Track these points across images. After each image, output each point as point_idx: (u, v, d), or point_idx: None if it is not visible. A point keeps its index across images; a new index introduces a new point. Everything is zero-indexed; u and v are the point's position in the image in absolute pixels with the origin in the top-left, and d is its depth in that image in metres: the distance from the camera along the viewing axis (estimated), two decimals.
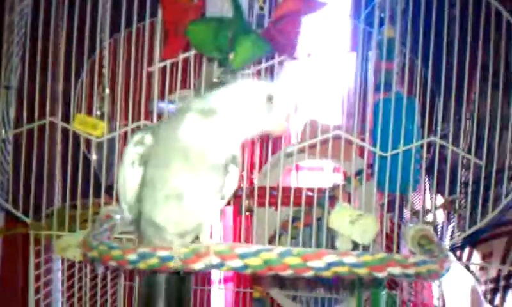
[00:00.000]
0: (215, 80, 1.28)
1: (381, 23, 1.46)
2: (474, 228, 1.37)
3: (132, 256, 0.96)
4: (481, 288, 1.91)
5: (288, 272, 0.95)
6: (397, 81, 1.45)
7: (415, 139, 1.35)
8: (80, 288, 1.45)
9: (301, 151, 1.50)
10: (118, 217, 1.33)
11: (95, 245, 1.02)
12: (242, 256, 0.95)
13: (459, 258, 1.92)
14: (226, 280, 2.15)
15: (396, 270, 0.97)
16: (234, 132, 0.87)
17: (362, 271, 0.97)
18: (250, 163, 1.73)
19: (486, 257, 1.88)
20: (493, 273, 1.88)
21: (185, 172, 0.86)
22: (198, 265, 0.95)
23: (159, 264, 0.95)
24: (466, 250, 1.93)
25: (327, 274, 0.96)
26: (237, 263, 0.95)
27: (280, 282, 1.74)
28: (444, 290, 1.90)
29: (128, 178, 0.91)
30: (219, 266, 0.95)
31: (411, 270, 0.98)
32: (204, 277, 1.99)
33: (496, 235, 1.88)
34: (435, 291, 1.97)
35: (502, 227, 1.87)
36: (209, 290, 2.07)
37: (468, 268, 1.94)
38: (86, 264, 1.43)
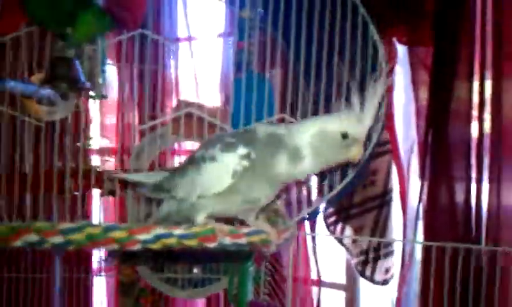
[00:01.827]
0: (57, 55, 1.23)
1: (244, 5, 1.48)
2: (323, 200, 1.43)
3: None
4: (353, 261, 2.02)
5: (113, 246, 0.95)
6: (257, 61, 1.47)
7: (265, 116, 1.38)
8: None
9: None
10: None
11: None
12: (64, 232, 0.93)
13: (333, 233, 2.02)
14: (108, 268, 2.10)
15: (227, 240, 0.99)
16: (317, 169, 0.97)
17: (192, 242, 0.98)
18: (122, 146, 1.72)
19: (357, 231, 1.98)
20: (363, 246, 2.00)
21: (267, 189, 0.99)
22: (16, 243, 0.92)
23: None
24: (339, 226, 2.03)
25: (156, 246, 0.96)
26: (59, 239, 0.93)
27: (153, 264, 1.72)
28: (320, 263, 2.00)
29: (224, 182, 0.96)
30: (39, 243, 0.93)
31: (242, 240, 1.00)
32: (82, 266, 1.94)
33: (366, 210, 1.99)
34: (311, 265, 2.06)
35: (373, 201, 1.98)
36: (89, 278, 2.01)
37: (341, 242, 2.04)
38: None
